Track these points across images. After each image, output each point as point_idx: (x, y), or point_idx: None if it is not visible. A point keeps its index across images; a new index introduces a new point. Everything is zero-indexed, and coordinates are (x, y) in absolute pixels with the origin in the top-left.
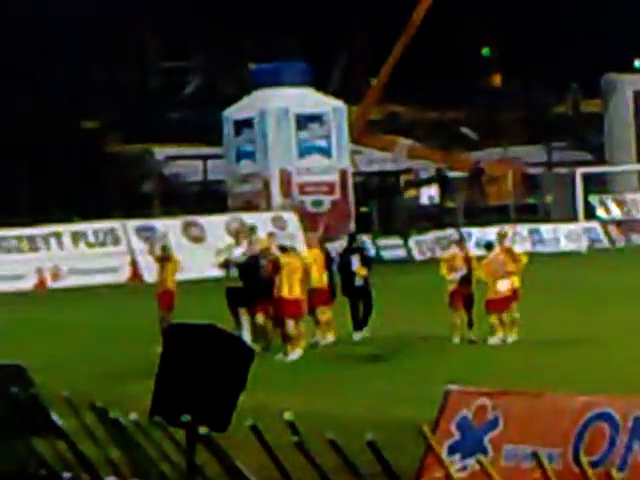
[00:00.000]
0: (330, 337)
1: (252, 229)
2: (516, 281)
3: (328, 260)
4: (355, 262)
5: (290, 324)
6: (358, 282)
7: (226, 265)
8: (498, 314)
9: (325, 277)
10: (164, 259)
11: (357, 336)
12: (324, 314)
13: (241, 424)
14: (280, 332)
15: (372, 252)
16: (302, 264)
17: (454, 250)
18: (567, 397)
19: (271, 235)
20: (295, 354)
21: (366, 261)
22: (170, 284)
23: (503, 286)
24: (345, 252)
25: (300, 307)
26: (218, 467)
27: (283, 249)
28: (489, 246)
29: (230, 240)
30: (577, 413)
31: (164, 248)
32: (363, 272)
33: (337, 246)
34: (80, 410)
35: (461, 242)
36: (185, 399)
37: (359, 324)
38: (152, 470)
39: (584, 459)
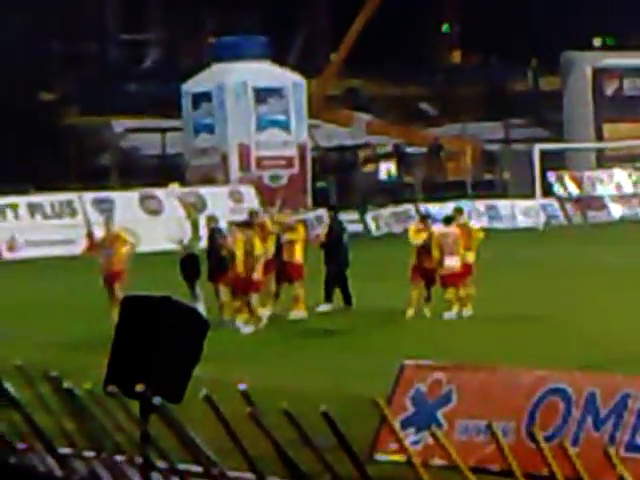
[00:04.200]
0: (300, 312)
1: (212, 219)
2: (471, 256)
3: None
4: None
5: (254, 298)
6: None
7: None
8: (454, 289)
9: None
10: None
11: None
12: (298, 289)
13: (196, 396)
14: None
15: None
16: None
17: (417, 224)
18: (521, 372)
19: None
20: (251, 328)
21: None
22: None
23: (451, 262)
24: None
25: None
26: (172, 438)
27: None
28: (448, 220)
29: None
30: (531, 388)
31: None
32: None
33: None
34: (34, 380)
35: (425, 218)
36: (140, 370)
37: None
38: (106, 441)
39: (538, 433)
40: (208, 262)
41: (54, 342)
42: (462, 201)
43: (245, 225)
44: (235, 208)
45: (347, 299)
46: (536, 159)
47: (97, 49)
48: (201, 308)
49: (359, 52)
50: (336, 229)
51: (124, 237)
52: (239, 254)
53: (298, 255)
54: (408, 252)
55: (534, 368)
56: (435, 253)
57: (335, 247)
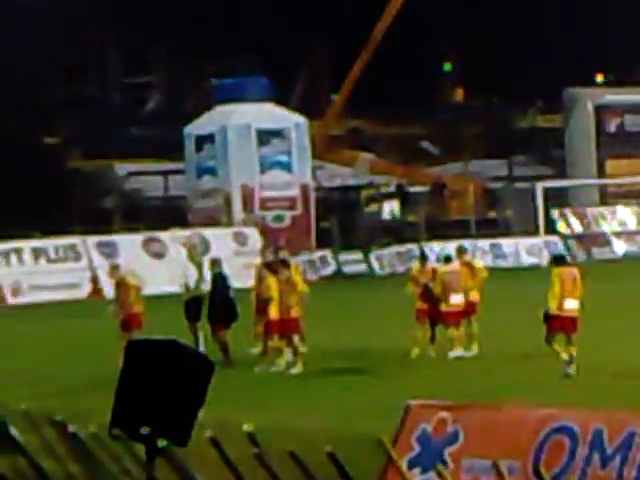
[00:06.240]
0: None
1: (215, 262)
2: (475, 295)
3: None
4: None
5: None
6: None
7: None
8: (458, 327)
9: None
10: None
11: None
12: None
13: (201, 438)
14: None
15: None
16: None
17: (417, 265)
18: (527, 410)
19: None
20: (299, 367)
21: None
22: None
23: (455, 300)
24: None
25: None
26: None
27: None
28: (448, 259)
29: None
30: (537, 426)
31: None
32: None
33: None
34: (39, 425)
35: (423, 259)
36: (145, 413)
37: None
38: None
39: (544, 472)
40: (210, 306)
41: (59, 386)
42: (466, 240)
43: (282, 264)
44: (239, 250)
45: None
46: (539, 196)
47: (100, 93)
48: (202, 350)
49: (361, 92)
50: None
51: (132, 281)
52: (276, 296)
53: None
54: (412, 292)
55: (540, 406)
56: (438, 292)
57: None
